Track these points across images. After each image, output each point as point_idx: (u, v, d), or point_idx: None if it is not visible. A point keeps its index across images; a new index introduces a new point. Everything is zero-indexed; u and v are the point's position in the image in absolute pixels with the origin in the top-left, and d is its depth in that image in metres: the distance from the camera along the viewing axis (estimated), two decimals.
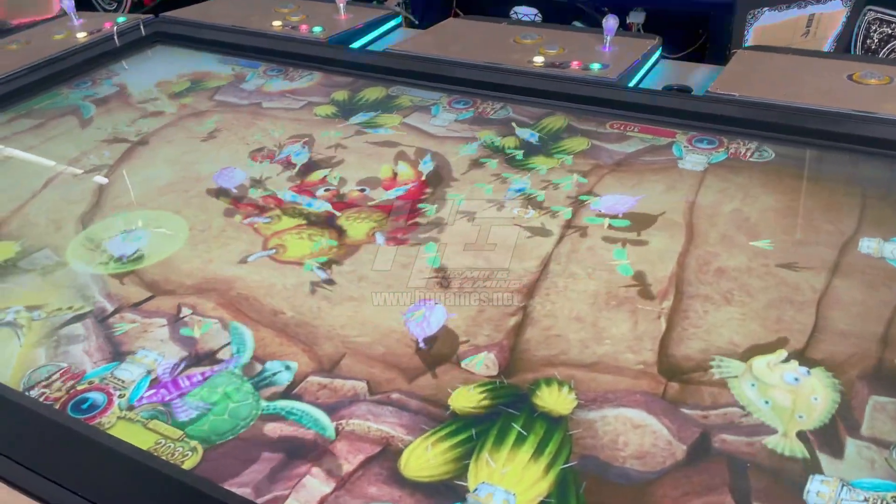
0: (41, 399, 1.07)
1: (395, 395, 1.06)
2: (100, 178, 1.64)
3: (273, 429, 1.01)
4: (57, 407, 1.06)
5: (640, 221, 1.38)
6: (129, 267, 1.36)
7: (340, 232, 1.41)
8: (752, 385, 1.03)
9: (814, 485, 0.88)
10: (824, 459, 0.91)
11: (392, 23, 2.38)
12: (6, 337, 1.20)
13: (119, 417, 1.04)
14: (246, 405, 1.05)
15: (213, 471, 0.95)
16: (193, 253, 1.39)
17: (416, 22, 3.12)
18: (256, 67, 2.12)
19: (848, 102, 1.58)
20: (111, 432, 1.00)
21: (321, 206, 1.48)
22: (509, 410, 1.02)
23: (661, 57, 2.08)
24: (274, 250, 1.37)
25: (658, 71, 2.02)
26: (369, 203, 1.48)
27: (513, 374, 1.08)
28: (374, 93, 1.93)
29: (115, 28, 2.25)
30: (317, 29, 2.19)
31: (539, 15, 2.92)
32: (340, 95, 1.93)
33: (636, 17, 2.98)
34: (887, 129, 1.50)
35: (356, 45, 2.20)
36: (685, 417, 0.99)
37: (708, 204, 1.42)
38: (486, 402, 1.03)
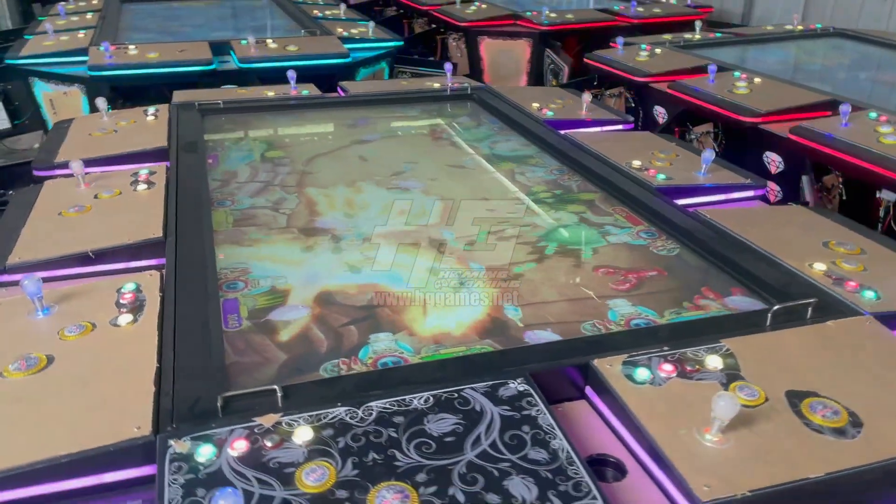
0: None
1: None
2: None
3: None
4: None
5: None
6: None
7: None
8: None
9: None
10: None
11: (621, 126, 3.14)
12: None
13: None
14: None
15: None
16: None
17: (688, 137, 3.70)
18: (495, 123, 3.16)
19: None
20: None
21: None
22: None
23: (759, 199, 2.44)
24: None
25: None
26: None
27: None
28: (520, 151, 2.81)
29: (450, 84, 3.52)
30: (549, 113, 3.11)
31: (782, 163, 3.23)
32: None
33: (888, 196, 3.06)
34: None
35: (570, 130, 3.04)
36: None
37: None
38: None
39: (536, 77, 5.70)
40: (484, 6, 6.05)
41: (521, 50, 5.71)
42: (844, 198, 3.19)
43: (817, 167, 3.13)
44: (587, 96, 3.18)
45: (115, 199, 2.18)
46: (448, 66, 3.76)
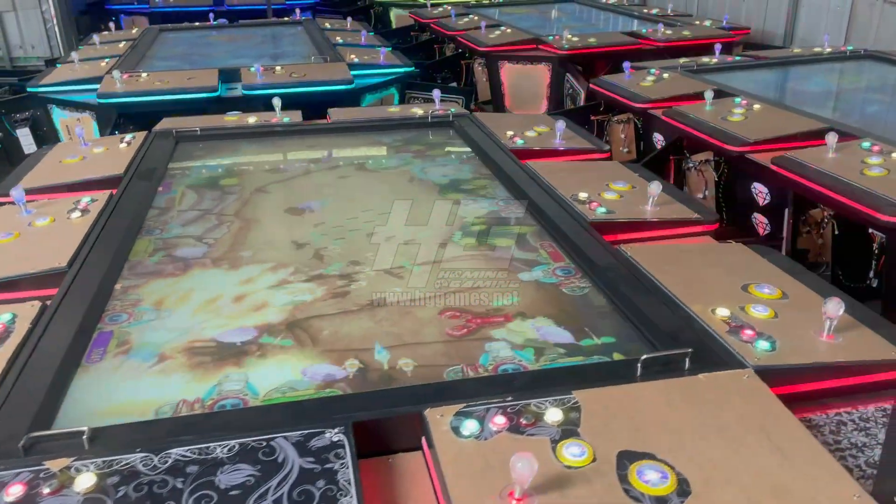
0: None
1: None
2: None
3: None
4: None
5: None
6: None
7: None
8: None
9: None
10: None
11: (595, 155, 3.03)
12: None
13: None
14: None
15: None
16: None
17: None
18: (466, 152, 3.10)
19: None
20: None
21: None
22: None
23: (705, 234, 2.31)
24: None
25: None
26: None
27: None
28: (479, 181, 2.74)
29: (432, 111, 3.48)
30: (520, 142, 3.03)
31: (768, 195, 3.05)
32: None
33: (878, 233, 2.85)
34: None
35: (537, 159, 2.94)
36: None
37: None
38: None
39: (557, 102, 5.59)
40: (508, 31, 5.99)
41: (541, 75, 5.62)
42: (837, 232, 2.99)
43: (800, 200, 2.94)
44: (561, 124, 3.08)
45: (47, 227, 2.23)
46: (436, 92, 3.73)
